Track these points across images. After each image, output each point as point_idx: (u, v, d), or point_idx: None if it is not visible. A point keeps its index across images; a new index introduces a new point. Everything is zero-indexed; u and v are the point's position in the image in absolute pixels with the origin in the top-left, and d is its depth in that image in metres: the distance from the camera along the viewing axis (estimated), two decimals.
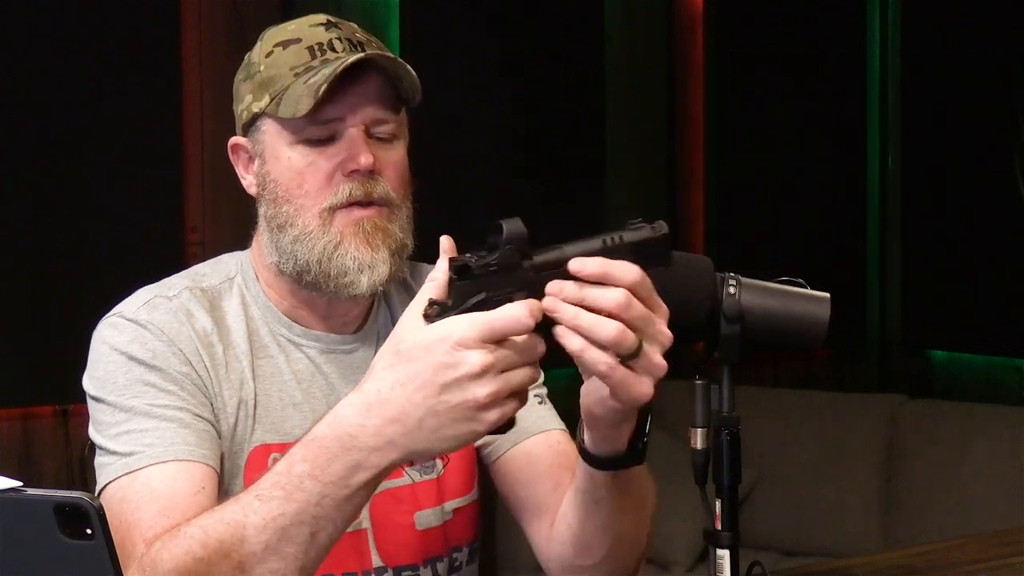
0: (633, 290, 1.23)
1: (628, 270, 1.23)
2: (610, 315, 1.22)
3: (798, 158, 4.74)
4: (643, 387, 1.26)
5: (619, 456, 1.42)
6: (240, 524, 1.32)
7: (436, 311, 1.24)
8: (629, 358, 1.24)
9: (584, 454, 1.44)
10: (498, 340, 1.22)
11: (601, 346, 1.22)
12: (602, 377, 1.25)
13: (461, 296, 1.24)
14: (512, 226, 1.24)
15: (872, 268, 4.93)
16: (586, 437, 1.42)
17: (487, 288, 1.23)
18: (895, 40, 4.87)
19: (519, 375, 1.23)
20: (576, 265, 1.23)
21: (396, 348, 1.26)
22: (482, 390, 1.21)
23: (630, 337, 1.22)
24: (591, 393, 1.33)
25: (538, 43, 4.27)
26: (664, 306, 1.27)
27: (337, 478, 1.28)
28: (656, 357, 1.26)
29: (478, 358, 1.21)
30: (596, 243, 1.27)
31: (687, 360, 4.43)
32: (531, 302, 1.22)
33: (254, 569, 1.31)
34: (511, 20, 4.21)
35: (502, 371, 1.22)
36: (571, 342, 1.22)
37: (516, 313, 1.21)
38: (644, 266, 1.26)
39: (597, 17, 4.41)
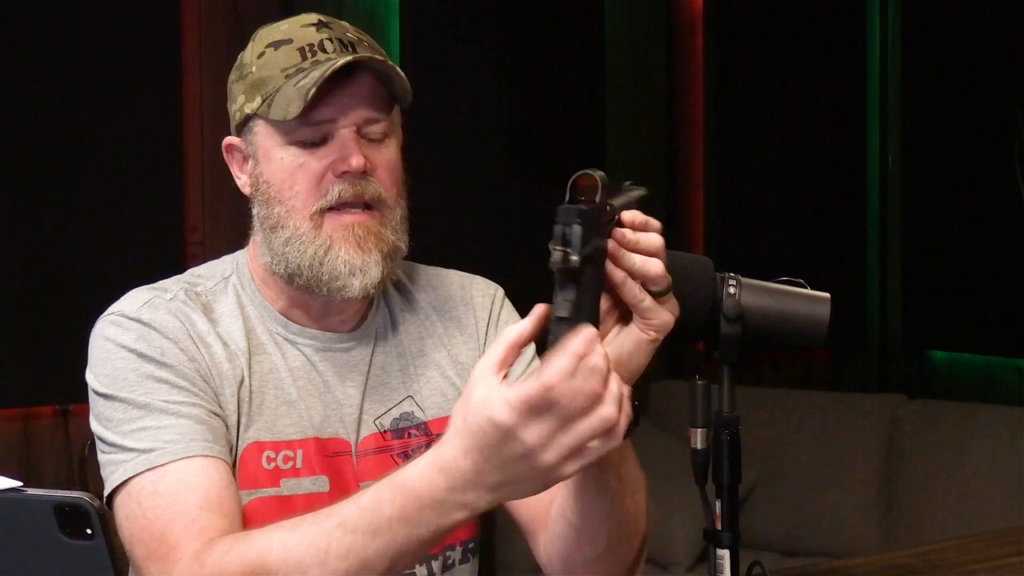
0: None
1: (655, 222, 1.38)
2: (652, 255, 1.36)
3: (798, 158, 4.74)
4: (668, 316, 1.37)
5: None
6: (323, 550, 1.33)
7: (561, 260, 1.24)
8: (661, 294, 1.36)
9: None
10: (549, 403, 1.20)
11: (646, 280, 1.35)
12: (637, 303, 1.36)
13: (587, 240, 1.26)
14: (603, 177, 1.31)
15: (872, 268, 4.93)
16: None
17: (598, 236, 1.30)
18: (895, 40, 4.87)
19: (588, 424, 1.21)
20: (629, 216, 1.36)
21: (465, 410, 1.24)
22: (552, 455, 1.21)
23: (667, 276, 1.36)
24: (626, 340, 1.37)
25: (538, 43, 4.27)
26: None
27: (428, 522, 1.29)
28: (673, 298, 1.38)
29: (532, 437, 1.20)
30: (626, 198, 1.39)
31: (687, 360, 4.44)
32: (559, 360, 1.20)
33: None
34: (511, 20, 4.21)
35: (567, 426, 1.20)
36: (615, 275, 1.34)
37: (551, 376, 1.20)
38: None
39: (597, 17, 4.41)
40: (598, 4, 4.41)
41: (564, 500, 1.56)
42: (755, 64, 4.67)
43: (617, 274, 1.34)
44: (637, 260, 1.35)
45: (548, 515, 1.63)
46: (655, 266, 1.35)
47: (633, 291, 1.36)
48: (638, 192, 1.41)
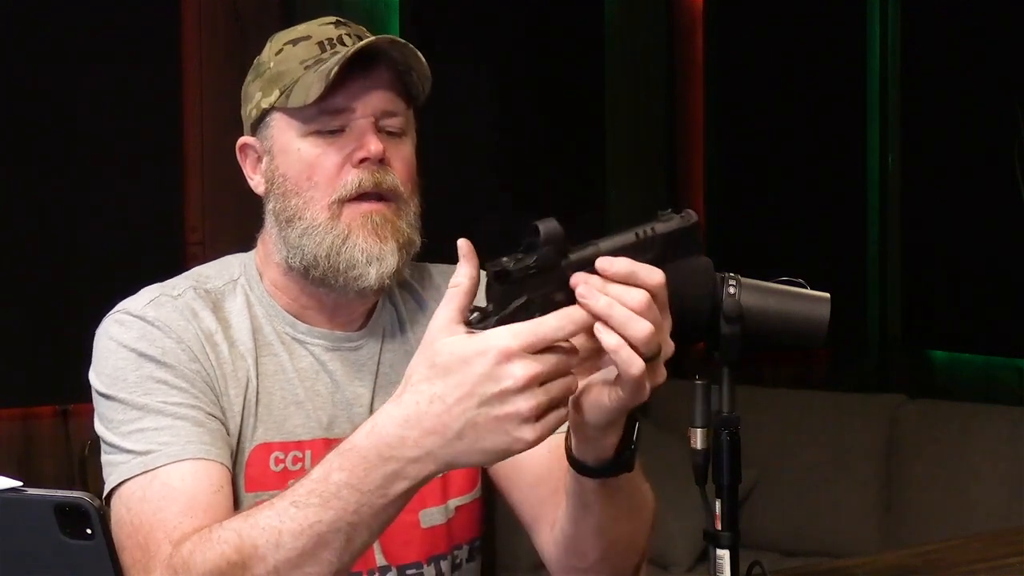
0: (654, 295, 1.25)
1: (653, 274, 1.25)
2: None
3: (798, 158, 4.74)
4: (644, 391, 1.27)
5: (606, 464, 1.41)
6: (276, 530, 1.32)
7: (478, 317, 1.23)
8: (648, 360, 1.25)
9: (571, 460, 1.43)
10: (540, 350, 1.21)
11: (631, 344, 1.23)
12: (627, 376, 1.25)
13: (502, 301, 1.23)
14: (548, 226, 1.24)
15: (872, 268, 4.93)
16: (572, 442, 1.41)
17: (527, 290, 1.23)
18: (895, 40, 4.87)
19: (560, 385, 1.23)
20: (603, 264, 1.24)
21: (432, 360, 1.24)
22: (526, 403, 1.21)
23: (656, 341, 1.24)
24: (583, 397, 1.32)
25: (538, 43, 4.27)
26: (670, 318, 1.28)
27: (375, 487, 1.28)
28: (662, 365, 1.27)
29: (522, 371, 1.20)
30: (630, 236, 1.28)
31: (687, 360, 4.43)
32: (573, 311, 1.22)
33: (289, 573, 1.32)
34: (511, 21, 4.21)
35: (543, 383, 1.21)
36: (608, 339, 1.23)
37: (559, 323, 1.21)
38: (677, 255, 1.29)
39: (597, 17, 4.41)
40: (598, 4, 4.41)
41: (562, 508, 1.56)
42: (755, 64, 4.67)
43: (610, 338, 1.22)
44: (618, 313, 1.22)
45: (552, 516, 1.63)
46: (639, 328, 1.22)
47: (630, 360, 1.23)
48: (667, 225, 1.30)
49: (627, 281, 1.24)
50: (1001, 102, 4.42)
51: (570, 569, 1.60)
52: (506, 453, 1.24)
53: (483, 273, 1.26)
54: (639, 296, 1.23)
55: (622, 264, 1.24)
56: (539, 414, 1.22)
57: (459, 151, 3.91)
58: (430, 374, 1.24)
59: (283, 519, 1.32)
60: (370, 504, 1.29)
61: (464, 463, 1.26)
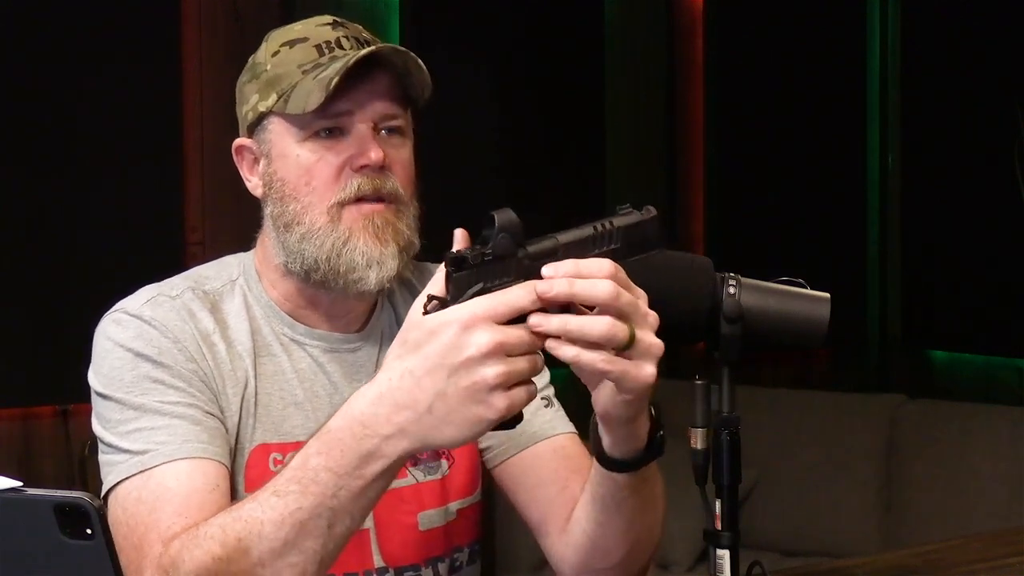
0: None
1: (601, 264, 1.25)
2: (601, 307, 1.23)
3: (798, 158, 4.75)
4: (645, 370, 1.27)
5: (639, 454, 1.42)
6: (258, 520, 1.32)
7: (435, 306, 1.24)
8: (624, 348, 1.24)
9: (604, 460, 1.44)
10: (503, 323, 1.22)
11: (594, 345, 1.23)
12: (603, 375, 1.26)
13: (459, 288, 1.24)
14: (504, 216, 1.25)
15: (872, 268, 4.93)
16: (605, 442, 1.42)
17: (484, 279, 1.24)
18: (895, 40, 4.87)
19: (524, 361, 1.23)
20: (549, 271, 1.24)
21: (404, 338, 1.26)
22: (491, 370, 1.21)
23: (621, 328, 1.23)
24: (602, 396, 1.33)
25: (538, 43, 4.27)
26: (641, 290, 1.27)
27: (352, 468, 1.28)
28: (650, 338, 1.27)
29: (485, 337, 1.20)
30: (587, 230, 1.29)
31: (687, 360, 4.43)
32: (533, 283, 1.22)
33: (274, 564, 1.31)
34: (511, 20, 4.21)
35: (509, 355, 1.22)
36: (564, 352, 1.23)
37: (520, 294, 1.22)
38: (639, 250, 1.29)
39: (597, 17, 4.41)
40: (598, 4, 4.41)
41: (583, 511, 1.57)
42: (755, 64, 4.67)
43: (565, 351, 1.22)
44: (573, 324, 1.22)
45: (561, 516, 1.63)
46: (596, 328, 1.22)
47: (592, 360, 1.23)
48: (626, 219, 1.30)
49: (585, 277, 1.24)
50: (1001, 102, 4.42)
51: (592, 570, 1.61)
52: (478, 425, 1.23)
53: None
54: (606, 286, 1.23)
55: (567, 266, 1.24)
56: (506, 383, 1.22)
57: (459, 151, 3.91)
58: (402, 351, 1.25)
59: (264, 509, 1.32)
60: (348, 487, 1.28)
61: (438, 440, 1.25)
